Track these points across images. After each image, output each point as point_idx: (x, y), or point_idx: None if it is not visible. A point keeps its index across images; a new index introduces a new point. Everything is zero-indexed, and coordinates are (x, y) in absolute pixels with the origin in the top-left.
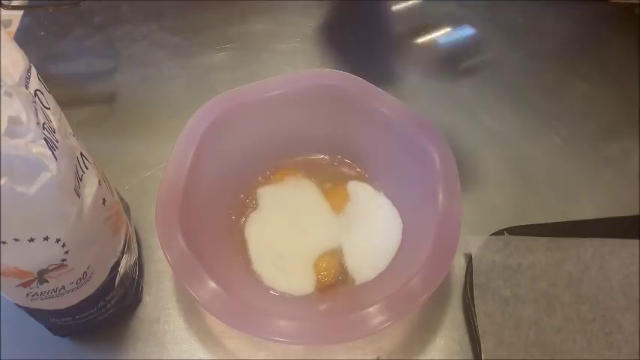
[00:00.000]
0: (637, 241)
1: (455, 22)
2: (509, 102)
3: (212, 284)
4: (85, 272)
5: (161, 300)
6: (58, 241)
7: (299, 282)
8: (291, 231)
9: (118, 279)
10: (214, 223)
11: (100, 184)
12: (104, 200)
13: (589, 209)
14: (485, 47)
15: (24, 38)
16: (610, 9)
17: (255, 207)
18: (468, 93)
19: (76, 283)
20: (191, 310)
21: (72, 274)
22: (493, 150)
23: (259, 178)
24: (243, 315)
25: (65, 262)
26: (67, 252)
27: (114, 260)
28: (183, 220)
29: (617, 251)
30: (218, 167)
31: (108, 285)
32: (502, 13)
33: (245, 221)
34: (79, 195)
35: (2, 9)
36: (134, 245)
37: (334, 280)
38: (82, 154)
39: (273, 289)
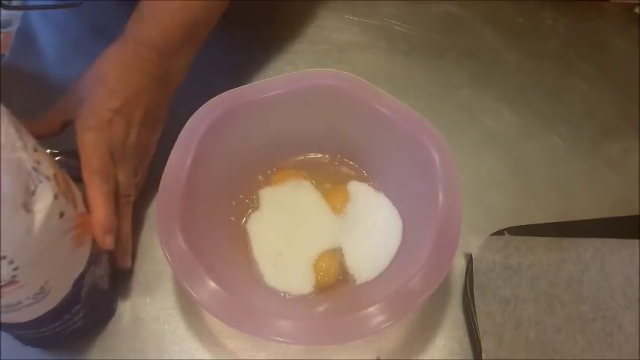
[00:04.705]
0: (637, 241)
1: (455, 22)
2: (509, 102)
3: (212, 284)
4: (42, 287)
5: (161, 300)
6: (4, 258)
7: (299, 282)
8: (291, 231)
9: (84, 291)
10: (214, 222)
11: (56, 197)
12: (62, 214)
13: (589, 209)
14: (484, 47)
15: (24, 38)
16: (610, 9)
17: (256, 207)
18: (468, 93)
19: (33, 298)
20: (191, 310)
21: (26, 290)
22: (493, 150)
23: (260, 178)
24: (243, 315)
25: (16, 279)
26: (16, 269)
27: (78, 273)
28: (183, 220)
29: (617, 251)
30: (218, 167)
31: (72, 298)
32: (501, 13)
33: (245, 221)
34: (28, 210)
35: (2, 9)
36: (104, 256)
37: (334, 280)
38: (34, 168)
39: (273, 289)
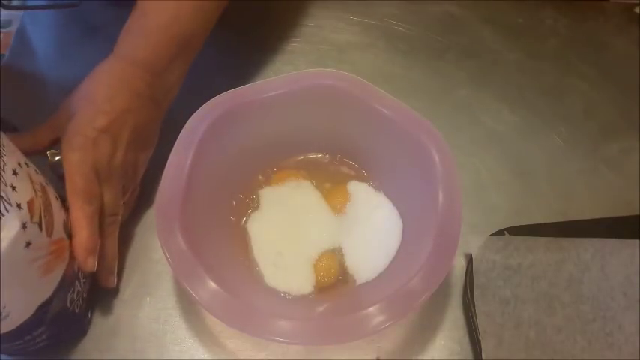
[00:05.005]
0: (637, 241)
1: (454, 22)
2: (508, 102)
3: (212, 284)
4: None
5: (161, 300)
6: None
7: (299, 282)
8: (291, 231)
9: (49, 316)
10: (214, 223)
11: (24, 227)
12: (29, 243)
13: (589, 209)
14: (484, 47)
15: (24, 38)
16: (610, 9)
17: (256, 207)
18: (467, 93)
19: None
20: (191, 310)
21: None
22: (493, 150)
23: (260, 178)
24: (243, 315)
25: None
26: None
27: (42, 300)
28: (183, 220)
29: (617, 251)
30: (218, 167)
31: (33, 322)
32: (501, 13)
33: (245, 221)
34: None
35: (2, 9)
36: (80, 280)
37: (334, 280)
38: (3, 197)
39: (273, 289)
